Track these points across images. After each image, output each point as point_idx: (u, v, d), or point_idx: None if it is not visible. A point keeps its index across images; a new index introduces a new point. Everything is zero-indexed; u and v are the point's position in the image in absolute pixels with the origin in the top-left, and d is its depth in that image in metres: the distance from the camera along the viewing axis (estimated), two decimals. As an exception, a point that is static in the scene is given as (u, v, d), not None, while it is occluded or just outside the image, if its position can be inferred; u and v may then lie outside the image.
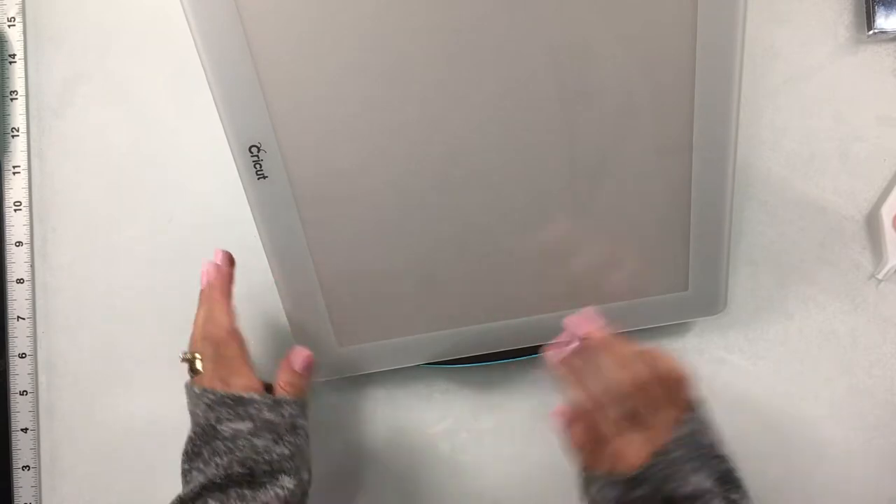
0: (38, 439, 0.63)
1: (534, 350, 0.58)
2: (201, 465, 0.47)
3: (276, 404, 0.48)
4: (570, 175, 0.50)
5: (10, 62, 0.63)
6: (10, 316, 0.63)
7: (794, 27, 0.60)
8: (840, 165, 0.60)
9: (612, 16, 0.45)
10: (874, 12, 0.58)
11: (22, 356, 0.63)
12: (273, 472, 0.47)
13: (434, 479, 0.63)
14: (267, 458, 0.47)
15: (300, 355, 0.51)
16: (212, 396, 0.48)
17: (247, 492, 0.46)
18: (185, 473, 0.48)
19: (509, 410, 0.62)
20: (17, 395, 0.63)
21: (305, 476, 0.49)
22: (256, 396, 0.48)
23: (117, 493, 0.64)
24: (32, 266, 0.64)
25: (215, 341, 0.49)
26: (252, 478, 0.46)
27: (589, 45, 0.46)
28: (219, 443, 0.47)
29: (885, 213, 0.59)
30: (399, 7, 0.44)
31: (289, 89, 0.46)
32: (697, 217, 0.52)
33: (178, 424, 0.63)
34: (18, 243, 0.63)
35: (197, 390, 0.48)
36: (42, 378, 0.64)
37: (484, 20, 0.45)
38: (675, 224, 0.53)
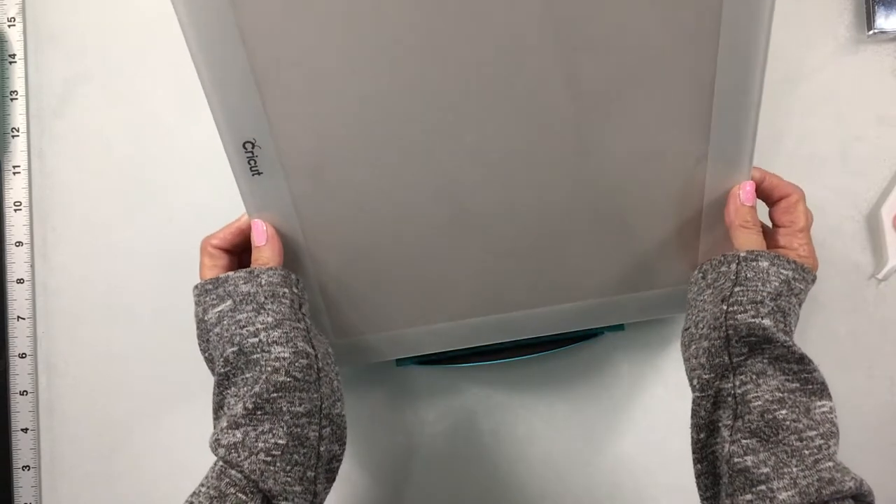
0: (38, 439, 0.63)
1: (533, 350, 0.58)
2: (212, 367, 0.48)
3: (251, 275, 0.47)
4: (576, 166, 0.50)
5: (10, 62, 0.63)
6: (10, 316, 0.63)
7: (794, 27, 0.60)
8: (840, 165, 0.60)
9: (625, 12, 0.44)
10: (874, 12, 0.58)
11: (22, 356, 0.63)
12: (261, 345, 0.45)
13: (434, 478, 0.63)
14: (251, 329, 0.45)
15: (256, 229, 0.50)
16: (196, 291, 0.48)
17: (247, 375, 0.45)
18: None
19: (509, 410, 0.62)
20: (17, 395, 0.63)
21: (303, 346, 0.46)
22: (231, 273, 0.47)
23: (117, 493, 0.64)
24: (32, 266, 0.64)
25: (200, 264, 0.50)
26: (245, 356, 0.45)
27: (598, 37, 0.45)
28: (211, 335, 0.47)
29: (885, 213, 0.59)
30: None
31: (284, 81, 0.45)
32: (708, 210, 0.51)
33: (178, 423, 0.63)
34: (18, 243, 0.63)
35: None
36: (42, 378, 0.64)
37: (488, 17, 0.44)
38: (686, 216, 0.52)
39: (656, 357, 0.61)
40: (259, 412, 0.44)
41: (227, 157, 0.47)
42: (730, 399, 0.45)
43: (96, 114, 0.63)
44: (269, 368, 0.45)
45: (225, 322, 0.46)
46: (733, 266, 0.46)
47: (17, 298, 0.63)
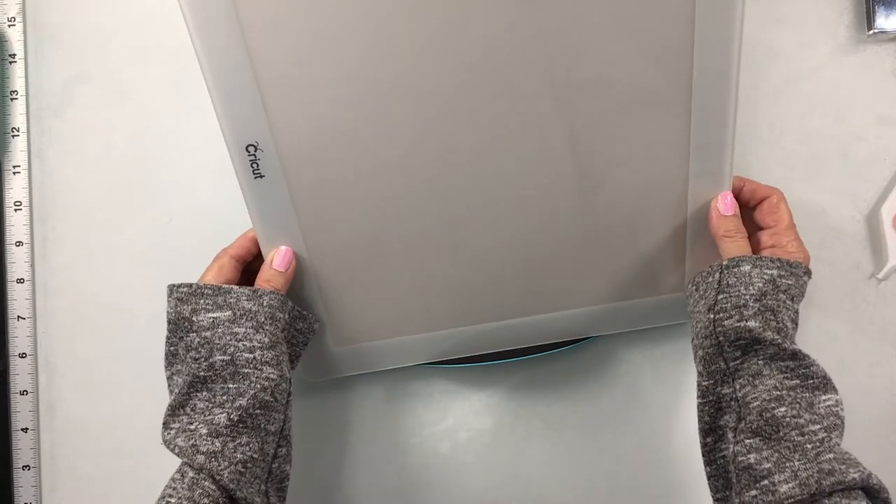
0: (38, 439, 0.63)
1: (533, 350, 0.58)
2: (179, 366, 0.49)
3: (255, 294, 0.48)
4: (569, 178, 0.50)
5: (10, 62, 0.64)
6: (10, 316, 0.63)
7: (794, 27, 0.60)
8: (840, 165, 0.60)
9: (610, 17, 0.45)
10: (874, 12, 0.58)
11: (22, 356, 0.63)
12: (255, 362, 0.46)
13: (434, 479, 0.63)
14: (248, 344, 0.47)
15: (280, 253, 0.51)
16: (186, 289, 0.48)
17: (231, 385, 0.46)
18: (169, 381, 0.49)
19: (509, 410, 0.62)
20: (17, 395, 0.63)
21: (287, 372, 0.48)
22: (235, 287, 0.48)
23: (117, 493, 0.64)
24: (32, 266, 0.64)
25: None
26: (234, 367, 0.46)
27: (587, 47, 0.46)
28: (193, 335, 0.47)
29: (885, 213, 0.59)
30: (395, 7, 0.44)
31: (286, 88, 0.46)
32: (695, 218, 0.52)
33: (178, 424, 0.63)
34: (18, 243, 0.63)
35: (169, 288, 0.49)
36: (42, 378, 0.64)
37: (481, 24, 0.45)
38: (674, 225, 0.53)
39: (656, 357, 0.61)
40: (241, 425, 0.45)
41: (231, 159, 0.48)
42: (733, 403, 0.46)
43: (96, 114, 0.63)
44: (258, 386, 0.46)
45: (219, 330, 0.47)
46: (716, 275, 0.48)
47: (17, 298, 0.63)
